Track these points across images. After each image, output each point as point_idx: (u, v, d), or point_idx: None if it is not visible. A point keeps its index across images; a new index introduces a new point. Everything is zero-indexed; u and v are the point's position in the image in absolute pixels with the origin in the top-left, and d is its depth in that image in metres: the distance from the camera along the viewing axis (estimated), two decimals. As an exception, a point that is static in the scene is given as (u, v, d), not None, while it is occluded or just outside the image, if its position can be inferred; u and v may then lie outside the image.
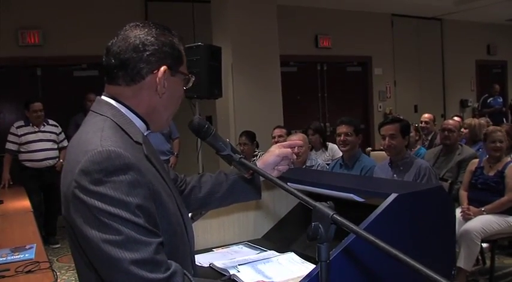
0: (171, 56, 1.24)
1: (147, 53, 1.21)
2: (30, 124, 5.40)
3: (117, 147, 1.09)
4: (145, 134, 1.28)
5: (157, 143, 5.74)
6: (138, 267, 1.03)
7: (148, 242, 1.06)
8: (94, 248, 1.05)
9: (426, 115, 6.56)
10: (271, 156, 1.57)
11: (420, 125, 6.38)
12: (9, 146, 5.38)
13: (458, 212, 3.84)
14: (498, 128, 4.21)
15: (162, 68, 1.21)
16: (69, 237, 1.18)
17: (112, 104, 1.23)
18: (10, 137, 5.38)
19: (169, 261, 1.10)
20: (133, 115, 1.24)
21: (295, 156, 1.66)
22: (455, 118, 4.86)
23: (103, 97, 1.25)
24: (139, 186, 1.09)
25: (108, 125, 1.17)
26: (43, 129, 5.43)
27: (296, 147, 4.32)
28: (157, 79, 1.22)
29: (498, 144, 3.93)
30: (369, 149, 6.08)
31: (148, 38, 1.22)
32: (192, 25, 7.43)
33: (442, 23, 10.39)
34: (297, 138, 4.41)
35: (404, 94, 9.91)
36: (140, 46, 1.21)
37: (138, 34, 1.22)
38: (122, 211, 1.04)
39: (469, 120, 5.62)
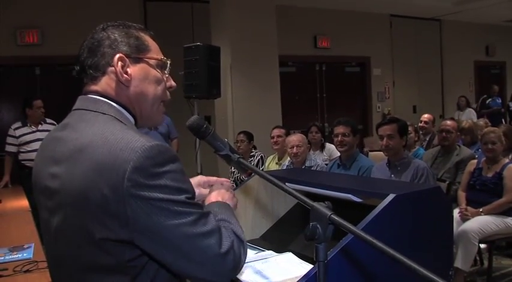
0: (127, 45, 1.24)
1: (101, 48, 1.23)
2: (28, 124, 5.40)
3: (158, 142, 1.12)
4: None
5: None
6: (216, 238, 1.11)
7: (208, 212, 1.15)
8: (169, 237, 1.06)
9: (426, 115, 6.56)
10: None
11: (419, 124, 6.39)
12: (8, 148, 5.39)
13: (456, 212, 3.85)
14: (492, 129, 4.21)
15: (116, 57, 1.22)
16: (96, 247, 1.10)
17: (109, 103, 1.22)
18: (8, 139, 5.39)
19: None
20: (124, 111, 1.25)
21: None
22: (448, 122, 4.84)
23: (94, 96, 1.24)
24: (185, 173, 1.14)
25: (121, 124, 1.18)
26: (41, 129, 5.43)
27: (295, 147, 4.34)
28: (115, 68, 1.22)
29: (490, 146, 3.94)
30: (367, 149, 6.08)
31: (103, 35, 1.25)
32: (191, 25, 7.44)
33: (441, 23, 10.41)
34: (295, 139, 4.42)
35: (403, 95, 9.92)
36: (96, 43, 1.24)
37: (93, 36, 1.26)
38: (182, 197, 1.09)
39: (467, 124, 5.55)
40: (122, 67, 1.22)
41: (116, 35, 1.24)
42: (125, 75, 1.22)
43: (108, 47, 1.23)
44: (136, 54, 1.25)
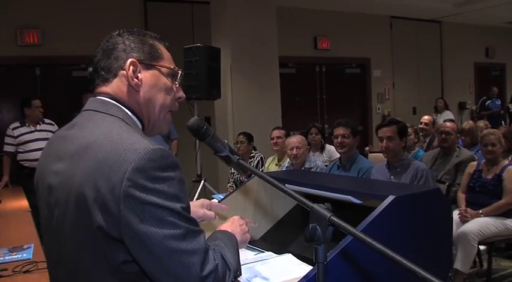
0: (140, 50, 1.27)
1: (115, 51, 1.26)
2: (26, 124, 5.41)
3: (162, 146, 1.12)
4: None
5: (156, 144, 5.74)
6: (199, 257, 1.08)
7: (199, 231, 1.13)
8: (154, 245, 1.05)
9: (426, 117, 6.56)
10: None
11: (419, 126, 6.39)
12: (6, 148, 5.39)
13: (455, 214, 3.86)
14: (492, 131, 4.22)
15: (129, 61, 1.24)
16: (89, 244, 1.11)
17: (118, 106, 1.24)
18: (7, 139, 5.39)
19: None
20: (133, 115, 1.26)
21: (217, 219, 1.72)
22: (448, 124, 4.85)
23: (104, 98, 1.26)
24: (184, 183, 1.14)
25: (128, 126, 1.19)
26: (39, 128, 5.43)
27: (295, 149, 4.34)
28: (126, 72, 1.24)
29: (490, 148, 3.95)
30: (367, 148, 6.09)
31: (118, 40, 1.28)
32: (191, 26, 7.44)
33: (441, 25, 10.41)
34: (295, 140, 4.42)
35: (403, 96, 9.92)
36: (110, 47, 1.27)
37: (108, 40, 1.28)
38: (178, 206, 1.08)
39: (468, 125, 5.55)
40: (133, 72, 1.24)
41: (131, 41, 1.27)
42: (135, 80, 1.25)
43: (122, 51, 1.26)
44: (149, 61, 1.28)
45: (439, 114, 8.99)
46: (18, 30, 6.46)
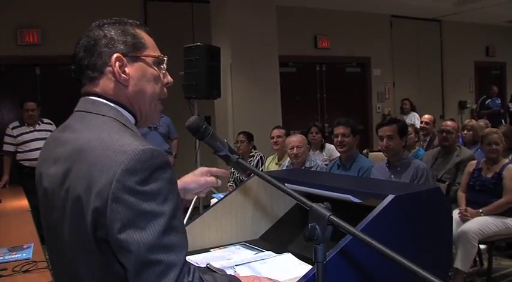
0: (123, 43, 1.23)
1: (98, 47, 1.21)
2: (25, 124, 5.41)
3: (153, 146, 1.09)
4: None
5: (156, 144, 5.70)
6: (174, 273, 1.03)
7: (182, 245, 1.07)
8: (131, 252, 1.02)
9: (427, 116, 6.56)
10: (193, 184, 1.62)
11: (420, 125, 6.38)
12: (6, 147, 5.40)
13: (455, 213, 3.85)
14: (494, 130, 4.22)
15: (113, 57, 1.20)
16: (77, 247, 1.12)
17: (109, 104, 1.22)
18: (6, 139, 5.40)
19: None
20: (125, 111, 1.24)
21: (219, 183, 1.69)
22: (449, 122, 4.85)
23: (93, 97, 1.23)
24: (175, 183, 1.11)
25: (120, 125, 1.17)
26: (38, 128, 5.44)
27: (295, 148, 4.34)
28: (113, 68, 1.21)
29: (494, 147, 3.94)
30: (365, 151, 6.08)
31: (98, 33, 1.23)
32: (191, 25, 7.44)
33: (441, 24, 10.41)
34: (295, 140, 4.41)
35: (403, 95, 9.90)
36: (92, 43, 1.22)
37: (88, 35, 1.24)
38: (165, 209, 1.04)
39: (471, 122, 5.57)
40: (120, 67, 1.21)
41: (113, 34, 1.23)
42: (123, 75, 1.22)
43: (104, 47, 1.21)
44: (134, 53, 1.24)
45: (405, 116, 8.85)
46: (18, 29, 6.47)
